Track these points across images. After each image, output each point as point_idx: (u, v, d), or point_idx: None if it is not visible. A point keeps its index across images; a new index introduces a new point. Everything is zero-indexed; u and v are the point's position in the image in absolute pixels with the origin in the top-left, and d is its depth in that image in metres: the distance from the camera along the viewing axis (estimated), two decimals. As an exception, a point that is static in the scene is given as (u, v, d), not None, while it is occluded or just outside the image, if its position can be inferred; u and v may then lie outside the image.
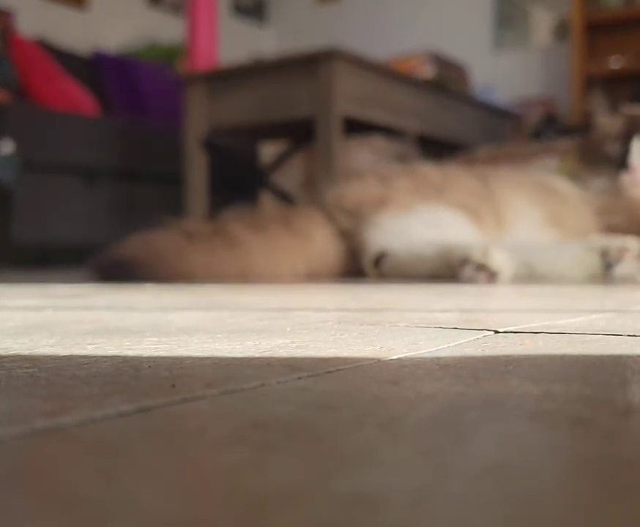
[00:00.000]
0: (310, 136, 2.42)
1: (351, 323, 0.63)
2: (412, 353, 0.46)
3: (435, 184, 1.63)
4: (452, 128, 2.83)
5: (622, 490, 0.20)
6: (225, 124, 2.44)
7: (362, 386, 0.36)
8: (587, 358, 0.44)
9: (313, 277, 1.55)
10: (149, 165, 2.96)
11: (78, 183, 2.77)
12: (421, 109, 2.65)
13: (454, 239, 1.44)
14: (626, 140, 1.72)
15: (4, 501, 0.20)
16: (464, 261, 1.34)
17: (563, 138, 2.70)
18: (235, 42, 4.31)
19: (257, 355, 0.45)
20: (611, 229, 1.59)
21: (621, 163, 1.70)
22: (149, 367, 0.41)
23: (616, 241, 1.39)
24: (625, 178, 1.67)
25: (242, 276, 1.49)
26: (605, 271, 1.37)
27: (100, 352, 0.47)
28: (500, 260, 1.33)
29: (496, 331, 0.56)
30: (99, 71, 3.43)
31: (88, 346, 0.50)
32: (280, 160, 2.69)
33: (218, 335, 0.55)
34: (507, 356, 0.44)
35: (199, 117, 2.47)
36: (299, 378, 0.37)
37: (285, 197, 2.54)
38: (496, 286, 1.26)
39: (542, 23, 4.03)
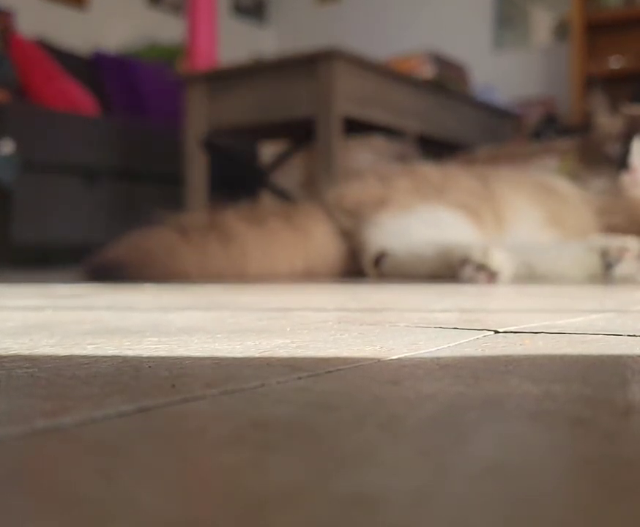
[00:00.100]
0: (310, 136, 2.42)
1: (351, 323, 0.63)
2: (412, 353, 0.46)
3: (435, 184, 1.63)
4: (452, 128, 2.83)
5: (622, 490, 0.20)
6: (225, 124, 2.44)
7: (362, 386, 0.36)
8: (587, 358, 0.44)
9: (313, 276, 1.55)
10: (149, 165, 2.96)
11: (78, 183, 2.77)
12: (421, 109, 2.65)
13: (454, 239, 1.44)
14: (626, 140, 1.72)
15: (4, 501, 0.20)
16: (464, 261, 1.34)
17: (563, 138, 2.70)
18: (235, 42, 4.31)
19: (257, 355, 0.45)
20: (611, 229, 1.59)
21: (621, 163, 1.70)
22: (149, 367, 0.41)
23: (616, 241, 1.39)
24: (626, 178, 1.67)
25: (237, 272, 1.48)
26: (605, 271, 1.37)
27: (100, 352, 0.47)
28: (500, 260, 1.33)
29: (496, 331, 0.56)
30: (99, 71, 3.43)
31: (88, 346, 0.50)
32: (280, 160, 2.69)
33: (218, 335, 0.55)
34: (507, 356, 0.44)
35: (199, 117, 2.47)
36: (299, 378, 0.37)
37: (285, 197, 2.54)
38: (496, 286, 1.26)
39: (542, 23, 4.03)
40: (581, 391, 0.34)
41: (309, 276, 1.55)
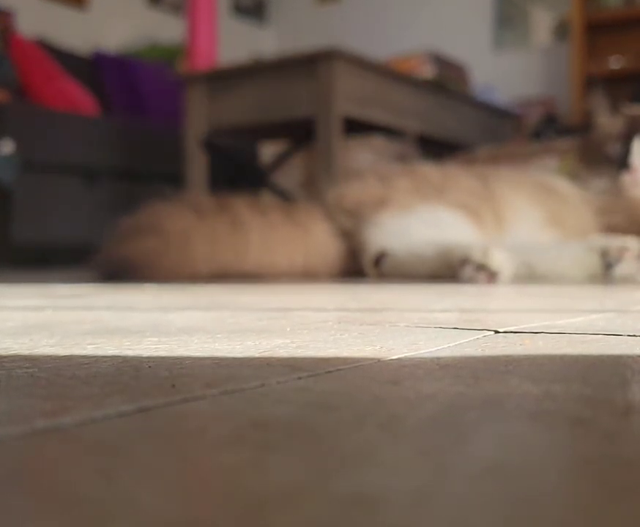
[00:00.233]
0: (310, 136, 2.42)
1: (351, 323, 0.63)
2: (412, 353, 0.46)
3: (435, 184, 1.63)
4: (452, 128, 2.83)
5: (622, 490, 0.20)
6: (225, 124, 2.44)
7: (362, 386, 0.36)
8: (587, 358, 0.44)
9: (313, 276, 1.55)
10: (149, 165, 2.96)
11: (78, 183, 2.77)
12: (421, 109, 2.65)
13: (454, 239, 1.44)
14: (626, 140, 1.72)
15: (4, 501, 0.20)
16: (464, 261, 1.34)
17: (563, 138, 2.70)
18: (235, 42, 4.31)
19: (257, 355, 0.45)
20: (611, 229, 1.59)
21: (621, 163, 1.70)
22: (149, 367, 0.41)
23: (616, 241, 1.39)
24: (626, 178, 1.67)
25: (238, 261, 1.49)
26: (605, 271, 1.37)
27: (100, 352, 0.47)
28: (500, 260, 1.33)
29: (496, 331, 0.56)
30: (99, 71, 3.43)
31: (88, 346, 0.50)
32: (280, 160, 2.69)
33: (218, 335, 0.55)
34: (507, 356, 0.44)
35: (199, 117, 2.47)
36: (299, 378, 0.37)
37: (285, 197, 2.54)
38: (496, 286, 1.26)
39: (542, 23, 4.03)
40: (581, 391, 0.34)
41: (309, 276, 1.55)
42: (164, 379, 0.37)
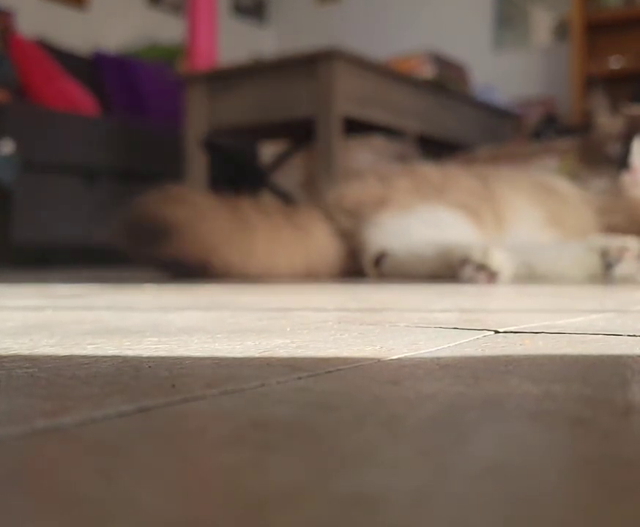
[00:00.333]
0: (310, 136, 2.42)
1: (351, 323, 0.63)
2: (412, 353, 0.46)
3: (435, 184, 1.63)
4: (452, 128, 2.83)
5: (622, 490, 0.20)
6: (225, 124, 2.44)
7: (362, 386, 0.36)
8: (587, 358, 0.44)
9: (313, 276, 1.55)
10: (149, 165, 2.96)
11: (78, 183, 2.77)
12: (421, 109, 2.65)
13: (454, 239, 1.44)
14: (626, 140, 1.72)
15: (4, 501, 0.20)
16: (464, 261, 1.34)
17: (563, 138, 2.70)
18: (235, 42, 4.31)
19: (257, 355, 0.45)
20: (611, 229, 1.59)
21: (621, 163, 1.70)
22: (149, 367, 0.41)
23: (616, 241, 1.39)
24: (626, 178, 1.67)
25: (241, 261, 1.49)
26: (605, 271, 1.37)
27: (100, 352, 0.47)
28: (500, 260, 1.33)
29: (496, 331, 0.56)
30: (99, 71, 3.43)
31: (88, 346, 0.50)
32: (280, 160, 2.69)
33: (218, 335, 0.55)
34: (507, 356, 0.44)
35: (199, 117, 2.47)
36: (299, 378, 0.37)
37: (285, 197, 2.54)
38: (496, 286, 1.26)
39: (542, 23, 4.03)
40: (581, 391, 0.34)
41: (309, 276, 1.55)
42: (164, 379, 0.37)
